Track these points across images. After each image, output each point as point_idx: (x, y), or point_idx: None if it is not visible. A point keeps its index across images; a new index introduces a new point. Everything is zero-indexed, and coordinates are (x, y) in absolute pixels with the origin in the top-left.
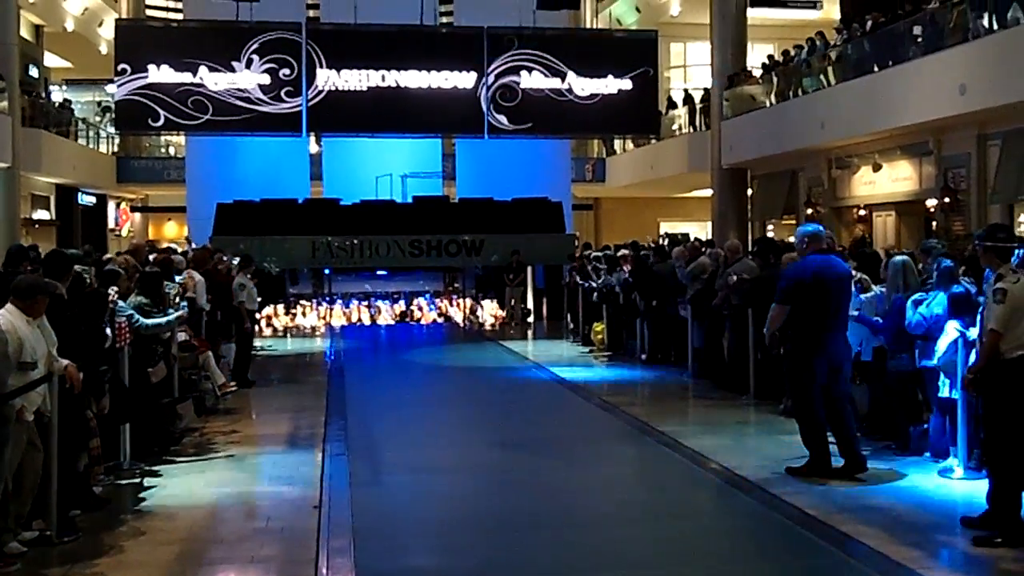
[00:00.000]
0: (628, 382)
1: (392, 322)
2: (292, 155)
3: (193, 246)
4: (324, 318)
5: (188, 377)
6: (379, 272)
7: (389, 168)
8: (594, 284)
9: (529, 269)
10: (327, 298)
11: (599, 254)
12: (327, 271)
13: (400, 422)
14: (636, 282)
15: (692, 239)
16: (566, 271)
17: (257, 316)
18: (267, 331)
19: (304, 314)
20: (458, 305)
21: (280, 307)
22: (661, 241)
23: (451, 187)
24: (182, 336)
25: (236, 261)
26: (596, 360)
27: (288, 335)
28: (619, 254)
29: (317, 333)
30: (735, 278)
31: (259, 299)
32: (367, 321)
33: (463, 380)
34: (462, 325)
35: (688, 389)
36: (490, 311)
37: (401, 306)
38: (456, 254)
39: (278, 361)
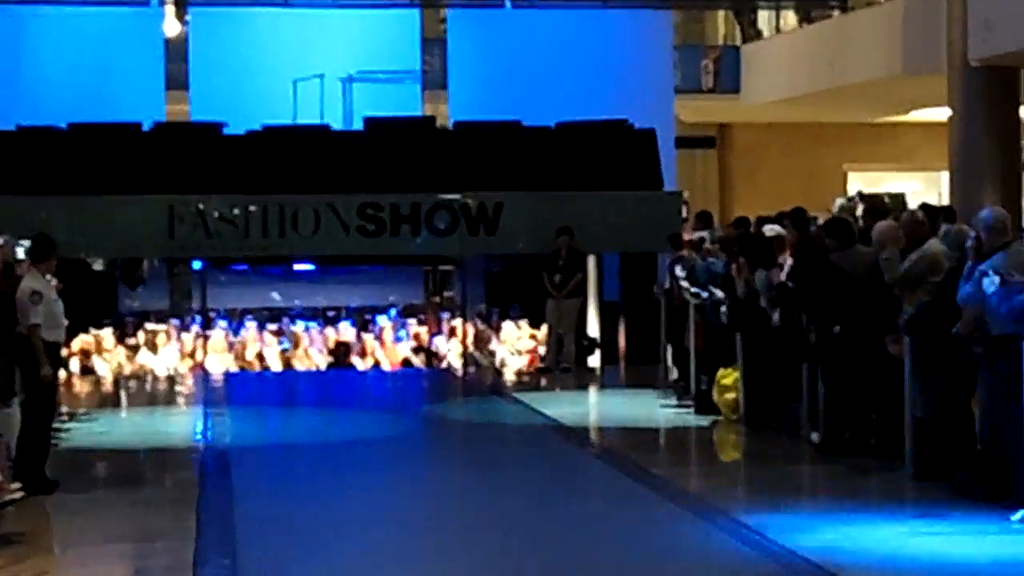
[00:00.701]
0: (789, 485)
1: (323, 365)
2: (131, 42)
3: None
4: (191, 356)
5: None
6: (298, 267)
7: (318, 66)
8: (718, 294)
9: (592, 262)
10: (197, 318)
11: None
12: (198, 265)
13: (341, 561)
14: (802, 289)
15: (914, 207)
16: (665, 267)
17: (64, 352)
18: (82, 384)
19: (154, 348)
20: (452, 332)
21: (107, 334)
22: (852, 208)
23: (438, 102)
24: None
25: (22, 248)
26: (722, 441)
27: (123, 390)
28: (766, 233)
29: (179, 386)
30: (997, 281)
31: (65, 322)
32: (275, 362)
33: (461, 481)
34: (460, 371)
35: (904, 499)
36: (515, 343)
37: (342, 332)
38: (448, 232)
39: (104, 443)
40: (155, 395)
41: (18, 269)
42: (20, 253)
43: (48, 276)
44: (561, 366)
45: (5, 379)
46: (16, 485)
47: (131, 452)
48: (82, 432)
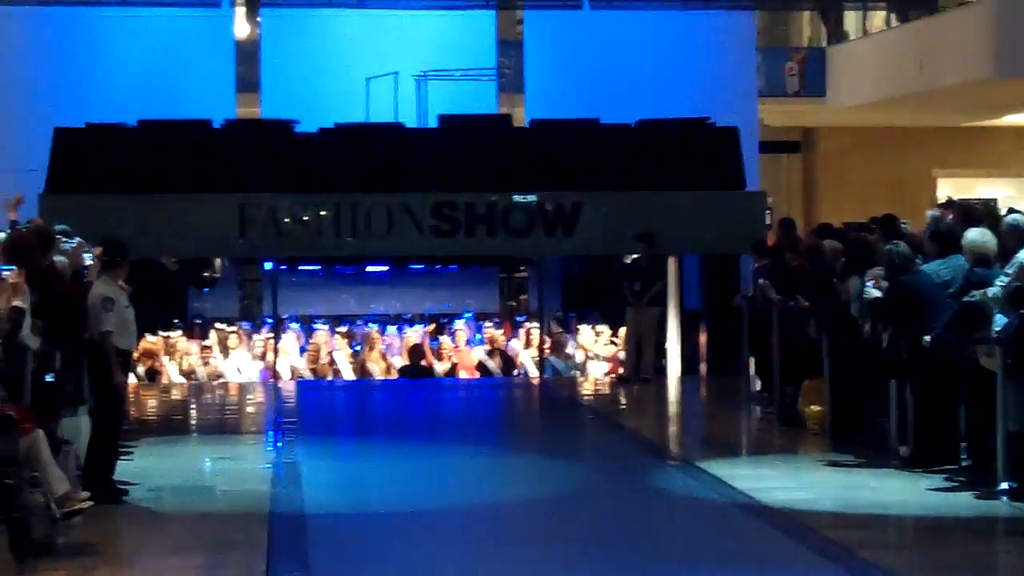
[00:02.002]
0: (877, 501)
1: (396, 372)
2: (201, 44)
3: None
4: (262, 359)
5: None
6: (371, 268)
7: (392, 63)
8: (804, 303)
9: (672, 267)
10: (269, 321)
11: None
12: (268, 265)
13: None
14: (893, 300)
15: (1005, 212)
16: (747, 276)
17: (134, 358)
18: (152, 391)
19: (224, 351)
20: (528, 338)
21: (177, 337)
22: (940, 216)
23: (514, 102)
24: None
25: (91, 254)
26: (806, 454)
27: (192, 397)
28: (854, 242)
29: (250, 394)
30: None
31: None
32: (346, 366)
33: (539, 494)
34: (536, 379)
35: (996, 515)
36: (590, 345)
37: (416, 335)
38: (524, 232)
39: (173, 452)
40: (225, 403)
41: (87, 274)
42: (88, 259)
43: (120, 281)
44: (641, 376)
45: (74, 387)
46: (84, 494)
47: (201, 462)
48: (151, 440)
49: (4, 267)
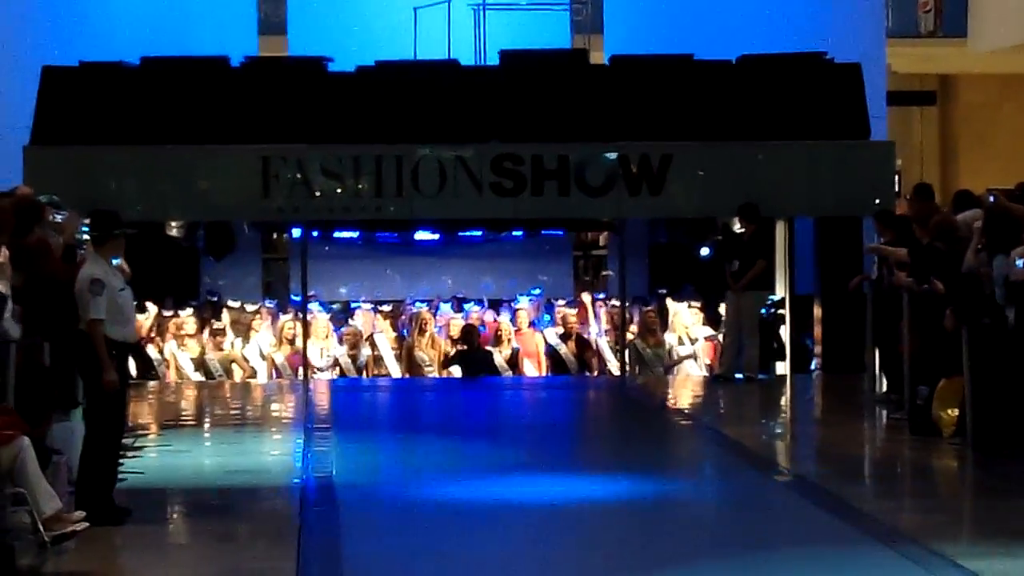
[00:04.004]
0: (1021, 527)
1: (447, 361)
2: None
3: None
4: (289, 342)
5: None
6: (420, 236)
7: None
8: (939, 287)
9: (781, 233)
10: (296, 299)
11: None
12: (296, 232)
13: None
14: None
15: None
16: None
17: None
18: (158, 387)
19: (245, 334)
20: (608, 321)
21: (186, 317)
22: None
23: (591, 35)
24: None
25: (86, 227)
26: (943, 468)
27: (204, 395)
28: (999, 213)
29: (274, 393)
30: None
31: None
32: (391, 356)
33: (614, 514)
34: (615, 376)
35: None
36: (685, 329)
37: (473, 315)
38: (603, 191)
39: (184, 463)
40: (246, 403)
41: (80, 253)
42: (83, 229)
43: (117, 258)
44: (744, 374)
45: (62, 387)
46: (79, 514)
47: (216, 476)
48: (157, 449)
49: None
